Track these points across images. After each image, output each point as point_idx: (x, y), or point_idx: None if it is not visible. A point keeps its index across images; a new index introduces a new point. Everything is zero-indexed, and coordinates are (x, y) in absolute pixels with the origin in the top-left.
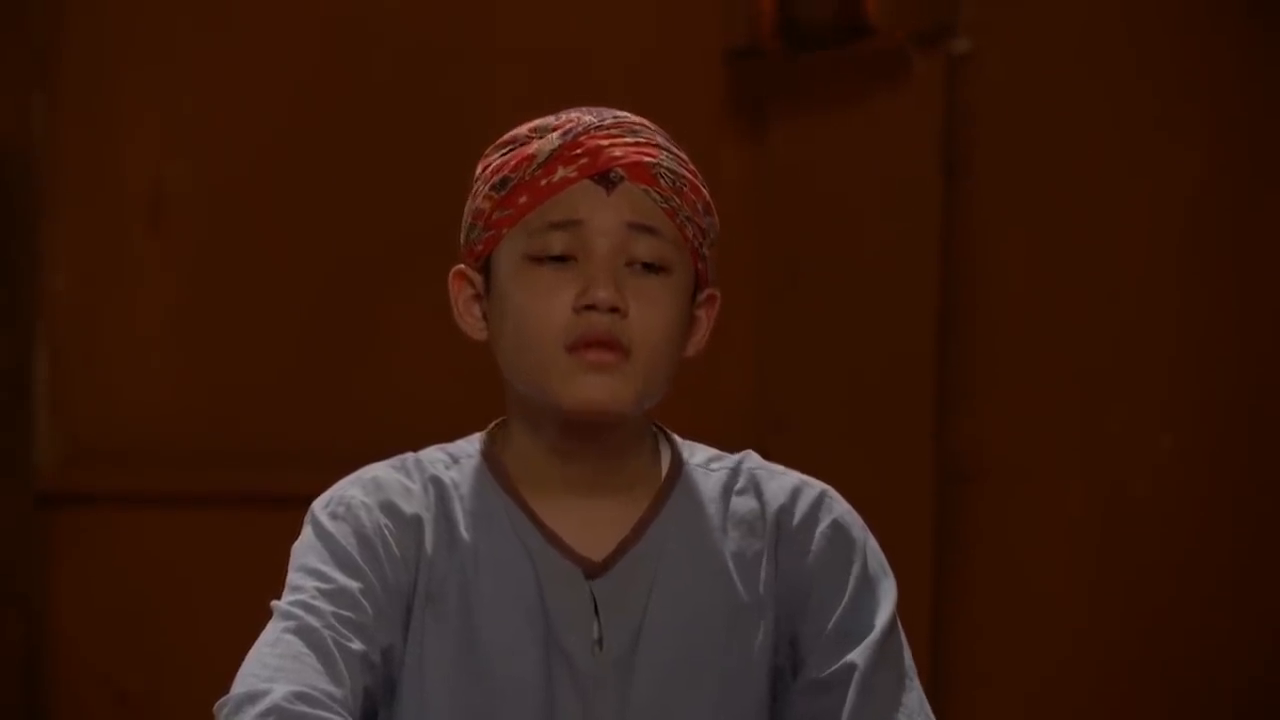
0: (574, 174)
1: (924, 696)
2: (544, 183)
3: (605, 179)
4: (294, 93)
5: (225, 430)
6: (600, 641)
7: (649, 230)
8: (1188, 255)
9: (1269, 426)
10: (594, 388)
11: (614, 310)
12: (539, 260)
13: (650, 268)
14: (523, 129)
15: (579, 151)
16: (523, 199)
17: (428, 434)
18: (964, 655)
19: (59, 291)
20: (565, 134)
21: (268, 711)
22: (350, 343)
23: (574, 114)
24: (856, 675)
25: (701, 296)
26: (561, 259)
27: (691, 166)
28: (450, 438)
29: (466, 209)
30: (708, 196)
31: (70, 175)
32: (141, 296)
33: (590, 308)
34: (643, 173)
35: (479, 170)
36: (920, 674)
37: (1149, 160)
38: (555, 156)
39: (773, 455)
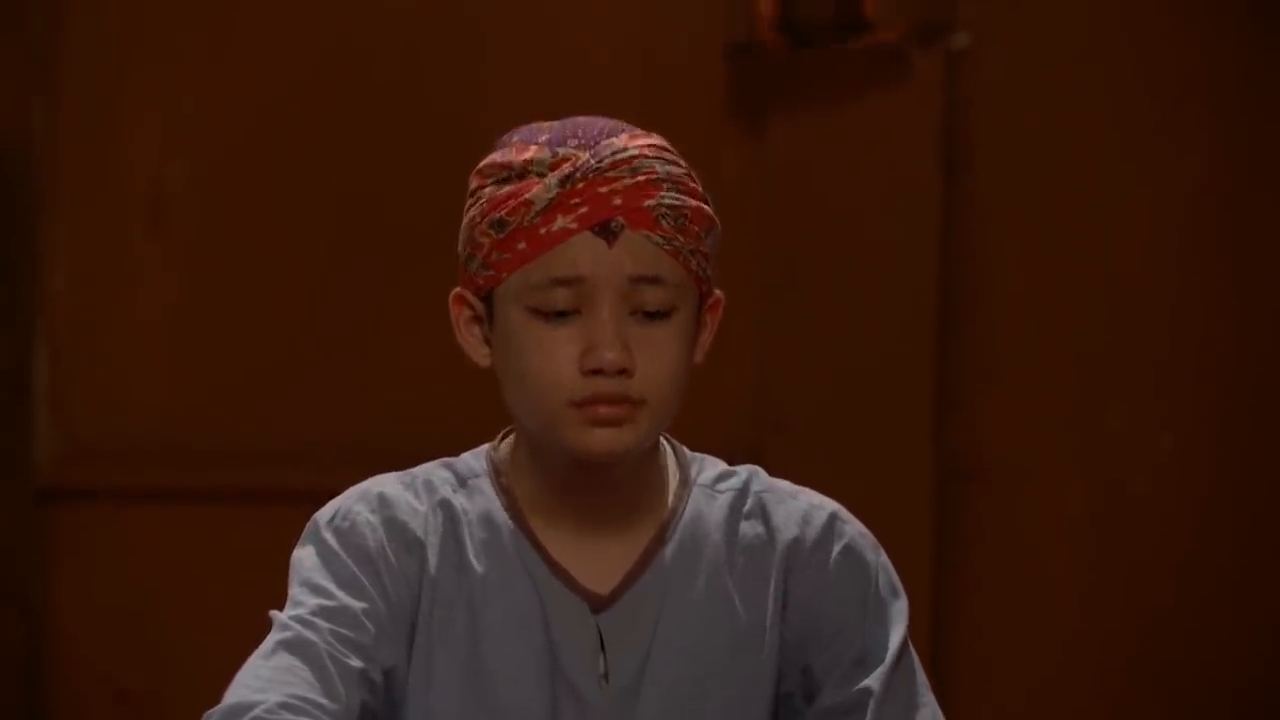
0: (574, 225)
1: (937, 709)
2: (543, 231)
3: (606, 229)
4: (293, 93)
5: (225, 428)
6: (606, 675)
7: (653, 280)
8: (1187, 253)
9: (1269, 426)
10: (604, 436)
11: (621, 372)
12: (541, 314)
13: (655, 314)
14: (516, 155)
15: (577, 200)
16: (521, 245)
17: (427, 433)
18: (964, 654)
19: (59, 291)
20: (564, 180)
21: None
22: (349, 342)
23: (570, 147)
24: (871, 701)
25: (705, 304)
26: (564, 313)
27: (692, 184)
28: (450, 437)
29: (463, 231)
30: (709, 211)
31: (70, 175)
32: (141, 296)
33: (597, 371)
34: (643, 218)
35: (473, 185)
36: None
37: (1149, 157)
38: (554, 205)
39: (772, 455)
